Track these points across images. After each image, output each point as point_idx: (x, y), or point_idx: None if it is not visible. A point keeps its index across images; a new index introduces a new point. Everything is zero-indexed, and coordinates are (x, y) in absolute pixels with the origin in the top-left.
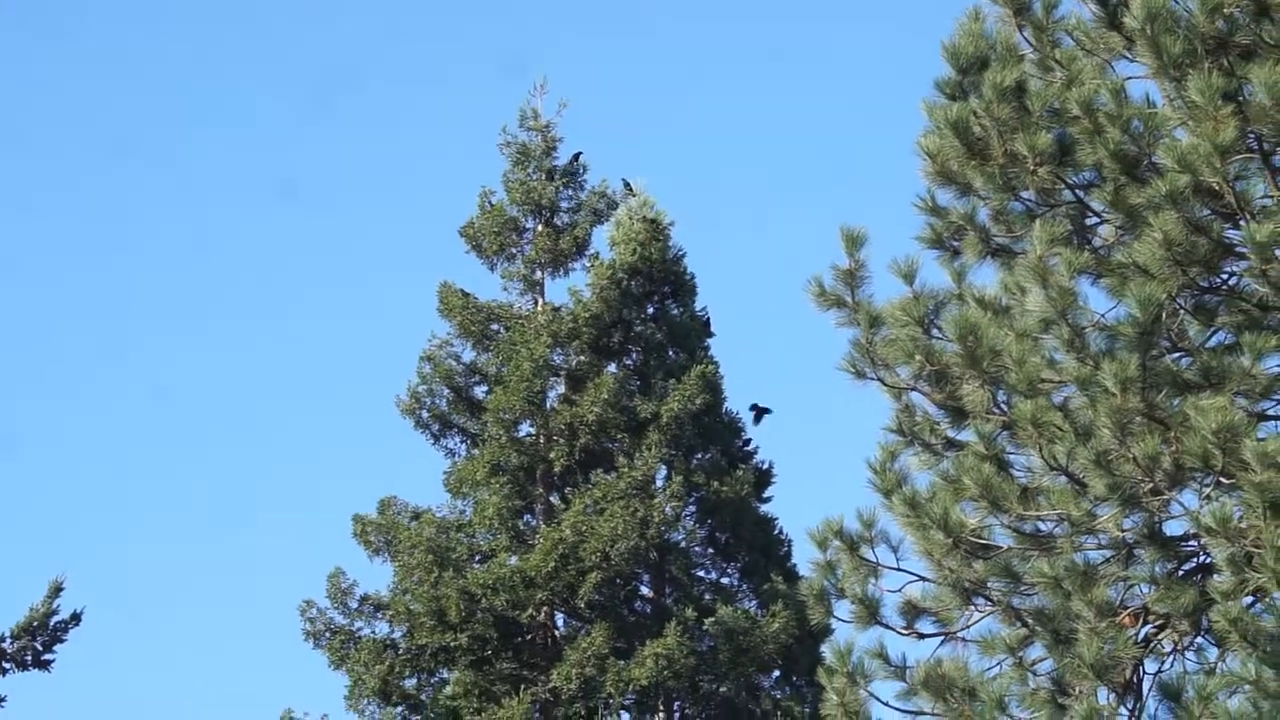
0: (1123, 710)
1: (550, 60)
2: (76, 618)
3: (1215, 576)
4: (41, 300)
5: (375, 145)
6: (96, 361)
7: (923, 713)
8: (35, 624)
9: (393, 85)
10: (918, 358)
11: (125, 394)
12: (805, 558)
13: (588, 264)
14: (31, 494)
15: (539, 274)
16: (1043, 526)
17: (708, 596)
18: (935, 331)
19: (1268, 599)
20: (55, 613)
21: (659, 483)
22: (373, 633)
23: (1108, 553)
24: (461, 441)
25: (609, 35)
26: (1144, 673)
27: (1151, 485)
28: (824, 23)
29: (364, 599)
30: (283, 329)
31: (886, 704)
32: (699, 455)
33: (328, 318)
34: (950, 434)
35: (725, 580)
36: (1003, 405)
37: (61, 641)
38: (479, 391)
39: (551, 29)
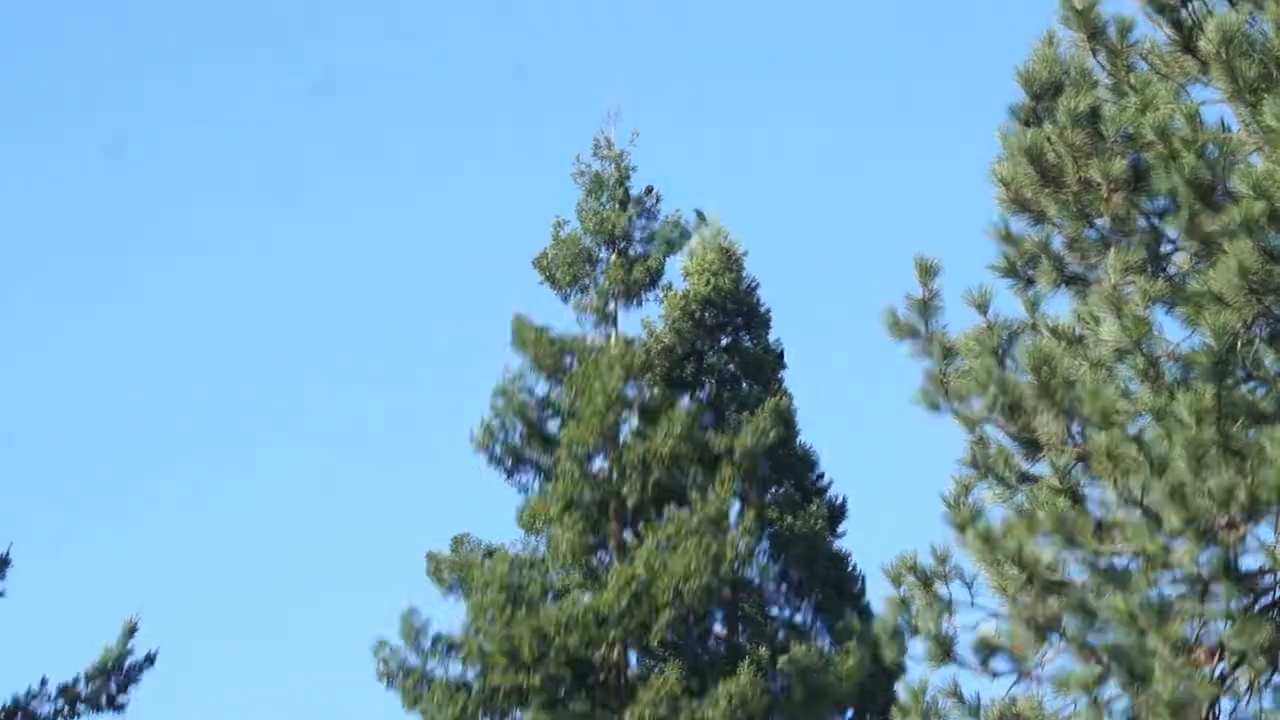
0: None
1: (621, 87)
2: (151, 659)
3: None
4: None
5: (439, 175)
6: (152, 384)
7: None
8: (110, 666)
9: (460, 110)
10: (992, 389)
11: (190, 426)
12: (879, 594)
13: (661, 295)
14: (104, 533)
15: (612, 305)
16: (1118, 561)
17: (781, 634)
18: (1009, 362)
19: None
20: (129, 653)
21: (732, 518)
22: (446, 673)
23: (1183, 588)
24: (535, 476)
25: (681, 63)
26: (1220, 711)
27: (1227, 518)
28: (896, 52)
29: (437, 639)
30: (355, 360)
31: None
32: (772, 490)
33: (400, 350)
34: (1025, 467)
35: (799, 618)
36: (1077, 437)
37: (135, 683)
38: (552, 425)
39: (621, 58)
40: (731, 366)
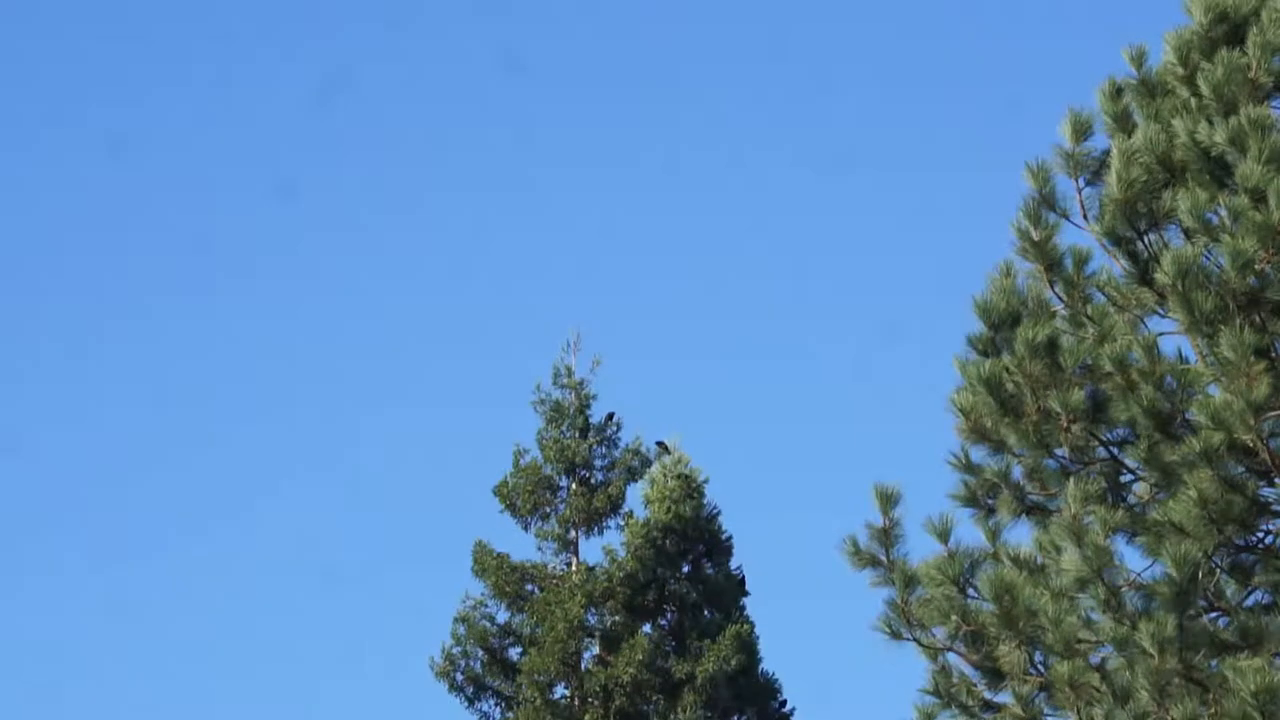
0: None
1: (583, 315)
2: None
3: None
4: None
5: (398, 408)
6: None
7: None
8: None
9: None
10: (954, 618)
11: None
12: None
13: (622, 522)
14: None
15: (573, 533)
16: None
17: None
18: (971, 591)
19: None
20: None
21: None
22: None
23: None
24: (496, 704)
25: (644, 293)
26: None
27: None
28: (853, 284)
29: None
30: (314, 592)
31: None
32: (735, 717)
33: (361, 577)
34: (987, 696)
35: None
36: (1040, 666)
37: None
38: (514, 653)
39: (583, 289)
40: (693, 594)
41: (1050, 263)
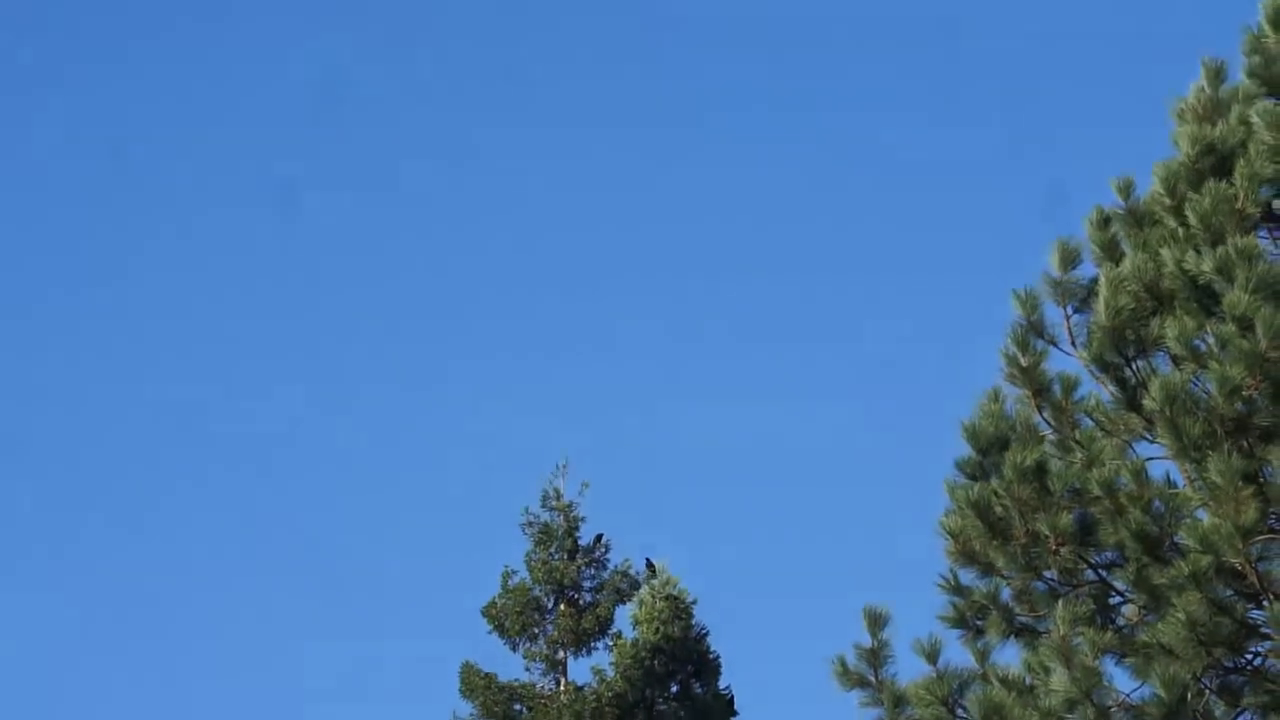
0: None
1: (571, 441)
2: None
3: None
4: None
5: (378, 527)
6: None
7: None
8: None
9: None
10: None
11: None
12: None
13: (610, 643)
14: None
15: (561, 653)
16: None
17: None
18: (960, 711)
19: None
20: None
21: None
22: None
23: None
24: None
25: (631, 418)
26: None
27: None
28: (835, 397)
29: None
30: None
31: None
32: None
33: (350, 693)
34: None
35: None
36: None
37: None
38: None
39: (572, 407)
40: (682, 713)
41: (1038, 388)
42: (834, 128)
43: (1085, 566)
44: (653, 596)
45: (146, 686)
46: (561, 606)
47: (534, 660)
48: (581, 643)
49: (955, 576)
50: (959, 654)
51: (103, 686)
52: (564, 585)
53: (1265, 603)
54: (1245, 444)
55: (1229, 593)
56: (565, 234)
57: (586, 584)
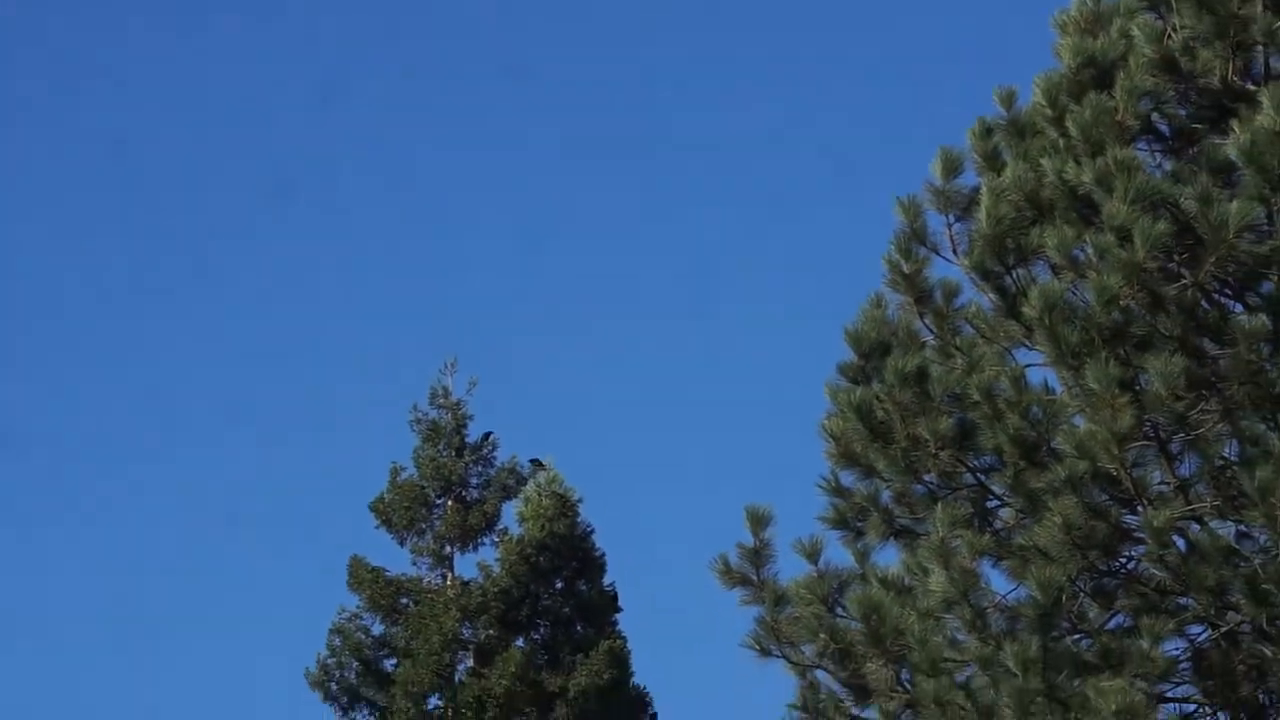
0: None
1: (460, 334)
2: None
3: None
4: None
5: (279, 421)
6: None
7: None
8: None
9: None
10: (822, 636)
11: None
12: None
13: (497, 539)
14: None
15: (448, 549)
16: None
17: None
18: (839, 610)
19: None
20: None
21: None
22: None
23: None
24: (370, 715)
25: (518, 310)
26: None
27: None
28: (733, 299)
29: None
30: (194, 599)
31: None
32: None
33: (234, 588)
34: (854, 712)
35: None
36: (906, 684)
37: None
38: (388, 664)
39: (458, 305)
40: (566, 609)
41: (920, 295)
42: None
43: (964, 470)
44: (539, 494)
45: None
46: (449, 503)
47: (421, 555)
48: (468, 539)
49: (836, 478)
50: (839, 554)
51: None
52: (451, 482)
53: (1139, 508)
54: (1122, 352)
55: (1104, 497)
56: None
57: (474, 481)
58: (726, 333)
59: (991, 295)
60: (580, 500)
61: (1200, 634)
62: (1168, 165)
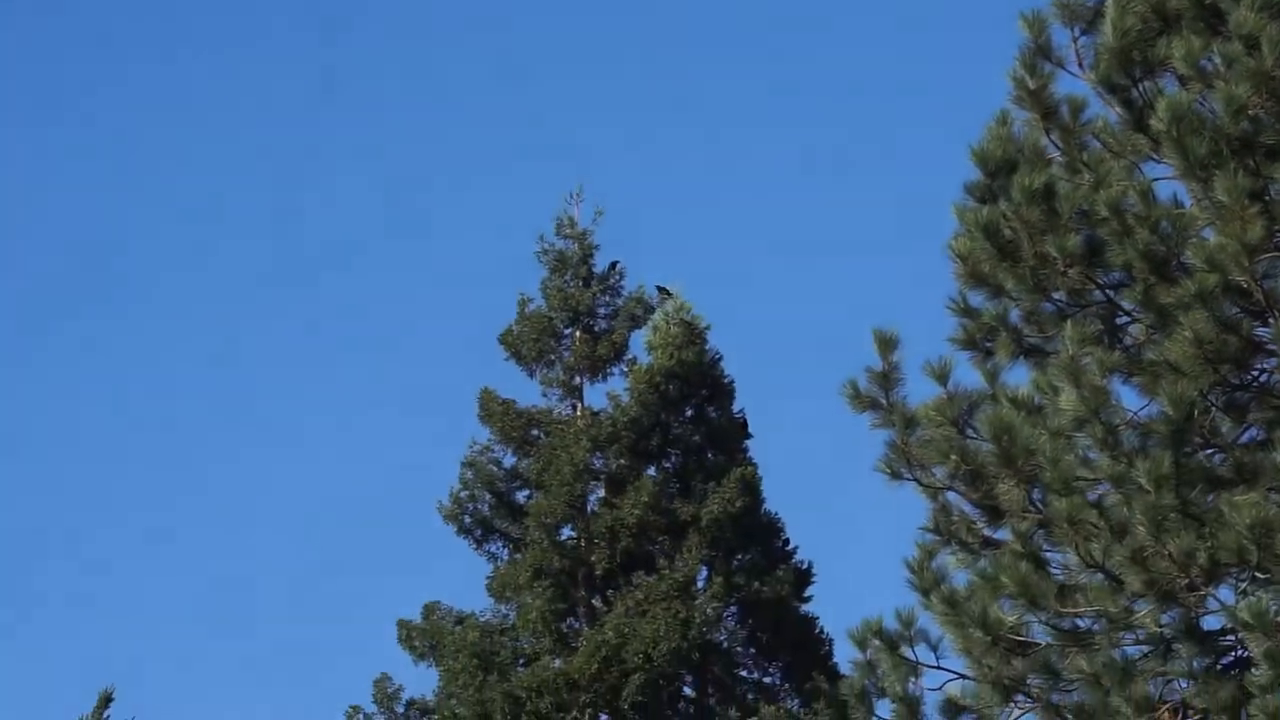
0: None
1: (587, 160)
2: None
3: (1253, 671)
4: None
5: (398, 253)
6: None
7: None
8: None
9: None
10: (953, 458)
11: (166, 502)
12: (846, 657)
13: (626, 369)
14: (75, 601)
15: (578, 380)
16: (1081, 623)
17: (750, 696)
18: (970, 432)
19: None
20: None
21: (700, 584)
22: None
23: (1146, 648)
24: (504, 546)
25: (644, 139)
26: None
27: (1188, 581)
28: (855, 126)
29: (410, 704)
30: (324, 434)
31: None
32: (739, 556)
33: (368, 421)
34: (987, 533)
35: (767, 680)
36: (1038, 504)
37: None
38: (520, 496)
39: (589, 123)
40: (696, 437)
41: (1046, 111)
42: None
43: (1093, 287)
44: (666, 322)
45: None
46: (577, 333)
47: (551, 386)
48: (597, 369)
49: (965, 299)
50: (969, 375)
51: None
52: (579, 312)
53: (1270, 319)
54: (1251, 162)
55: (1235, 310)
56: None
57: (601, 311)
58: (853, 152)
59: (1118, 109)
60: (708, 327)
61: None
62: None
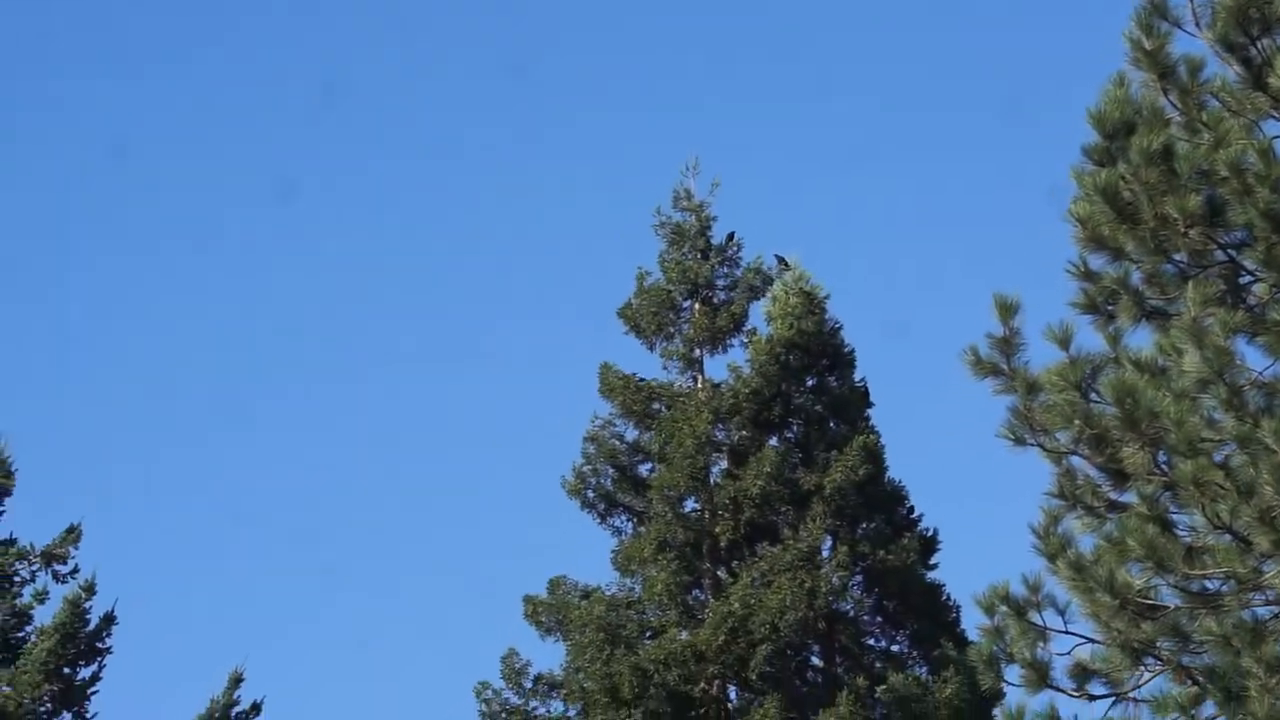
0: None
1: (701, 135)
2: (257, 708)
3: None
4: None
5: (519, 225)
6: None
7: None
8: (216, 715)
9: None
10: (1076, 422)
11: (285, 487)
12: (973, 623)
13: (745, 340)
14: (203, 582)
15: (698, 352)
16: (1209, 585)
17: (878, 665)
18: (1093, 396)
19: None
20: (235, 704)
21: (825, 553)
22: (548, 712)
23: (1276, 608)
24: (628, 519)
25: (762, 106)
26: None
27: None
28: (970, 97)
29: (538, 679)
30: (447, 411)
31: None
32: (863, 525)
33: (490, 400)
34: (1112, 496)
35: (895, 648)
36: (1164, 466)
37: None
38: (643, 470)
39: (702, 102)
40: (818, 407)
41: (1164, 71)
42: None
43: (1214, 247)
44: (786, 292)
45: None
46: (696, 305)
47: (671, 359)
48: (717, 340)
49: (1085, 262)
50: (1091, 339)
51: None
52: (698, 284)
53: None
54: None
55: None
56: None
57: (720, 282)
58: (967, 122)
59: (1237, 67)
60: (828, 296)
61: None
62: None
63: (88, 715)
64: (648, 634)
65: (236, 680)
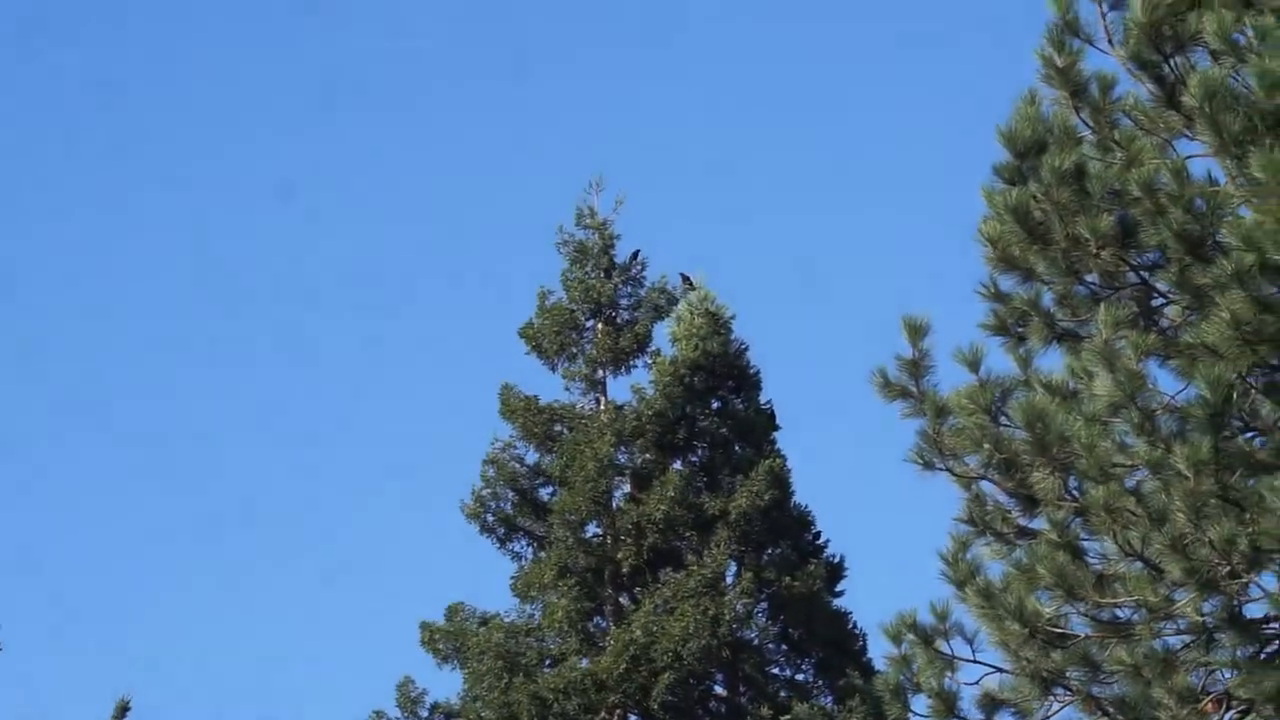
0: None
1: (605, 152)
2: None
3: None
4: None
5: (421, 249)
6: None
7: None
8: None
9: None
10: (986, 446)
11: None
12: (880, 652)
13: (649, 361)
14: (91, 612)
15: (601, 373)
16: (1120, 614)
17: (783, 694)
18: (1003, 419)
19: None
20: None
21: (729, 580)
22: None
23: (1187, 638)
24: (528, 544)
25: (664, 125)
26: None
27: (1229, 568)
28: (879, 111)
29: (434, 707)
30: (342, 434)
31: None
32: (769, 551)
33: (387, 421)
34: (1022, 522)
35: (800, 677)
36: (1074, 492)
37: None
38: (544, 493)
39: (607, 123)
40: (723, 430)
41: (1075, 89)
42: None
43: (1127, 268)
44: (691, 312)
45: None
46: (599, 325)
47: (573, 380)
48: (620, 361)
49: (995, 283)
50: (1001, 362)
51: None
52: (601, 304)
53: None
54: None
55: (1273, 290)
56: None
57: (624, 302)
58: (876, 138)
59: (1149, 85)
60: (733, 317)
61: None
62: None
63: None
64: (547, 662)
65: (123, 709)
